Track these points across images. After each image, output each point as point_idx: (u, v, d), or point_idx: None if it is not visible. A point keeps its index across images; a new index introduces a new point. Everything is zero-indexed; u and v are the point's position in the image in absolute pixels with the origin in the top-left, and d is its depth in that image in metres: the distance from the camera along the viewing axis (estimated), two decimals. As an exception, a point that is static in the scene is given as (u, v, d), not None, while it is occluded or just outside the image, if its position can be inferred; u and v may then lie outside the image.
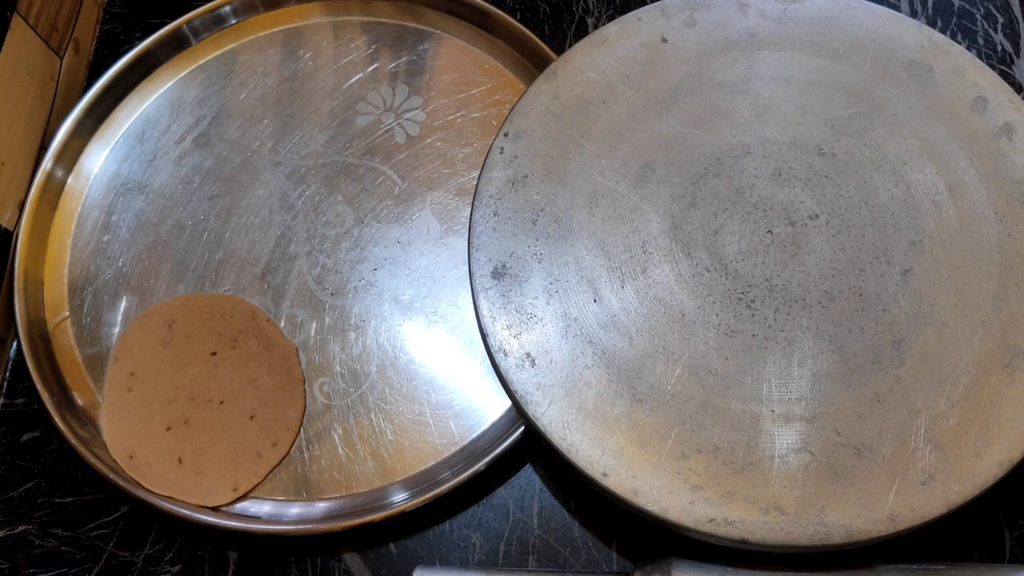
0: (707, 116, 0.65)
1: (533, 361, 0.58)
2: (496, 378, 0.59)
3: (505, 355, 0.58)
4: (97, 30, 0.83)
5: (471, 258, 0.61)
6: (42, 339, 0.68)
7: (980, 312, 0.58)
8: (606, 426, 0.57)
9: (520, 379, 0.58)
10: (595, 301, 0.60)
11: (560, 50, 0.70)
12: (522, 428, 0.62)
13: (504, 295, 0.60)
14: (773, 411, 0.57)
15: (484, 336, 0.59)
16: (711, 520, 0.54)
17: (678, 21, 0.68)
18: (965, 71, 0.66)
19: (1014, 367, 0.57)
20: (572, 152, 0.64)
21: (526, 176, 0.63)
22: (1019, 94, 0.67)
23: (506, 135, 0.65)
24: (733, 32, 0.68)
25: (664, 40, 0.67)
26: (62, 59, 0.78)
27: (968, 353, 0.58)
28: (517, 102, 0.66)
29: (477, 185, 0.63)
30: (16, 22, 0.71)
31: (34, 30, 0.73)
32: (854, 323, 0.59)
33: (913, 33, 0.67)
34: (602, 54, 0.67)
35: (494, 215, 0.62)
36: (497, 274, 0.61)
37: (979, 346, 0.58)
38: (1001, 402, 0.56)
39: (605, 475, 0.55)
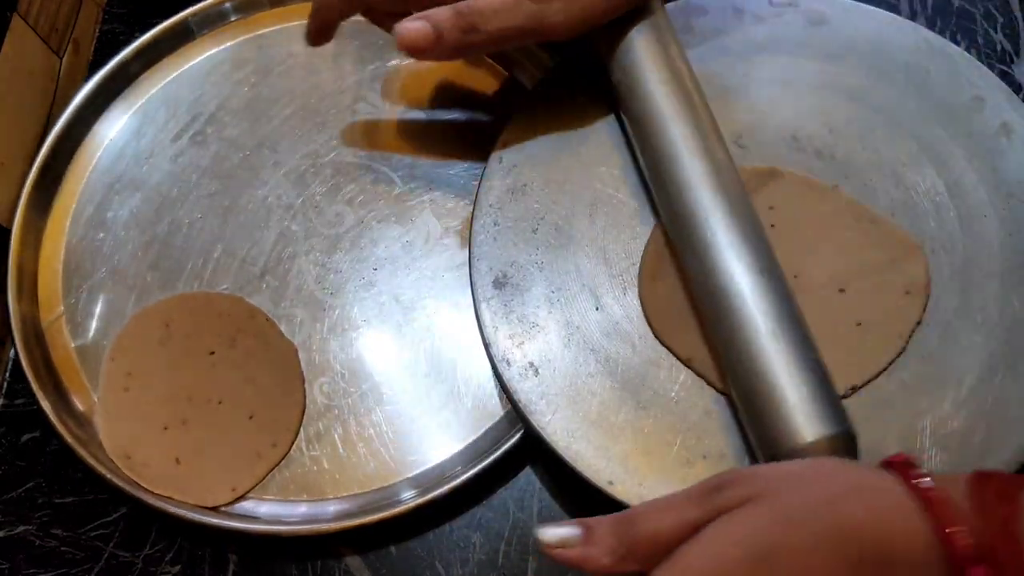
0: (704, 121, 0.65)
1: (536, 370, 0.58)
2: (497, 382, 0.60)
3: (508, 365, 0.59)
4: (97, 30, 0.82)
5: (472, 268, 0.62)
6: (36, 337, 0.68)
7: (983, 313, 0.59)
8: (611, 434, 0.57)
9: (523, 388, 0.58)
10: (597, 309, 0.60)
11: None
12: (523, 429, 0.62)
13: (506, 304, 0.60)
14: (777, 415, 0.57)
15: (487, 346, 0.60)
16: (716, 527, 0.54)
17: (674, 27, 0.67)
18: (962, 71, 0.66)
19: (1018, 368, 0.57)
20: (571, 160, 0.64)
21: (525, 185, 0.64)
22: (1019, 94, 0.68)
23: (505, 144, 0.65)
24: (729, 37, 0.68)
25: (661, 46, 0.67)
26: (62, 59, 0.77)
27: (972, 354, 0.58)
28: (515, 110, 0.66)
29: (477, 194, 0.64)
30: (16, 22, 0.71)
31: (34, 30, 0.73)
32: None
33: (909, 35, 0.68)
34: (600, 60, 0.67)
35: (494, 224, 0.62)
36: (499, 283, 0.61)
37: (983, 347, 0.58)
38: (1006, 403, 0.56)
39: (611, 483, 0.56)
